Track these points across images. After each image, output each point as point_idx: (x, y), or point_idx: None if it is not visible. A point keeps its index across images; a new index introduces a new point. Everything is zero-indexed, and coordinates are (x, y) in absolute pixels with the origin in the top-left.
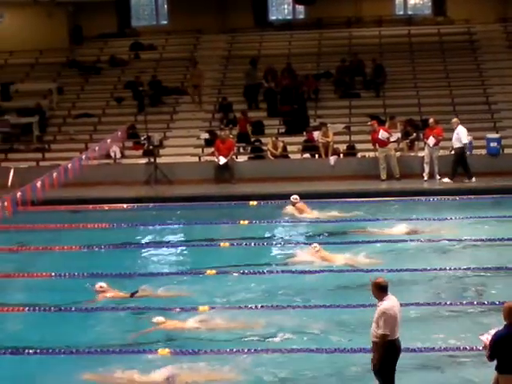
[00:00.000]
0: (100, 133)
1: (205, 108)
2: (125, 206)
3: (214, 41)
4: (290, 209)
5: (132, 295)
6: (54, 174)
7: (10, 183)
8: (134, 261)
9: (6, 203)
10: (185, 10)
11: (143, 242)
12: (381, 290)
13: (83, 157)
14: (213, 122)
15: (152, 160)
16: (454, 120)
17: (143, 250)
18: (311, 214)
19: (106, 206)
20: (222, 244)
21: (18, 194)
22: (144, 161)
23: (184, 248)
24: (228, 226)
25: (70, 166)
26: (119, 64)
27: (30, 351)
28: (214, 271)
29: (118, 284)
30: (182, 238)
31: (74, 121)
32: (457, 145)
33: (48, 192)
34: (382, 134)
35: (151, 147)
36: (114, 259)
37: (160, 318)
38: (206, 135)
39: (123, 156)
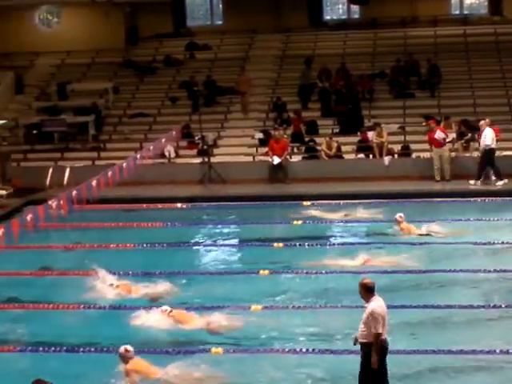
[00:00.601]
0: (155, 132)
1: (259, 108)
2: (179, 205)
3: (269, 40)
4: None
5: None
6: (109, 173)
7: (65, 182)
8: (187, 260)
9: (61, 202)
10: (239, 10)
11: (197, 241)
12: (368, 291)
13: (138, 156)
14: (267, 122)
15: (206, 159)
16: (483, 122)
17: (196, 249)
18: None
19: (160, 205)
20: (275, 244)
21: (74, 192)
22: (198, 160)
23: (237, 248)
24: (281, 226)
25: (124, 165)
26: (174, 64)
27: (85, 349)
28: (267, 271)
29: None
30: (236, 238)
31: (130, 120)
32: (484, 147)
33: (103, 191)
34: (439, 135)
35: (205, 147)
36: (167, 258)
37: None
38: (260, 135)
39: (177, 155)
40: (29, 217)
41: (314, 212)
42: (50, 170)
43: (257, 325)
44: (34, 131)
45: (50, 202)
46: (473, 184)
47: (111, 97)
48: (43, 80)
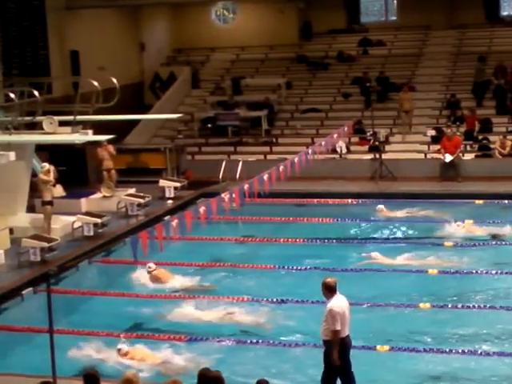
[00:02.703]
0: (326, 128)
1: (432, 105)
2: (349, 201)
3: (443, 37)
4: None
5: None
6: (281, 168)
7: (238, 175)
8: (355, 256)
9: (234, 195)
10: (414, 6)
11: (365, 237)
12: (328, 290)
13: (309, 151)
14: (440, 119)
15: (377, 156)
16: None
17: (365, 246)
18: None
19: (330, 201)
20: (445, 243)
21: (246, 186)
22: (369, 156)
23: (405, 245)
24: (451, 225)
25: (296, 159)
26: (347, 60)
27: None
28: (435, 270)
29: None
30: (404, 235)
31: (302, 115)
32: None
33: (274, 185)
34: None
35: (377, 143)
36: (336, 254)
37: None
38: (432, 132)
39: (349, 151)
40: (202, 209)
41: (485, 211)
42: (223, 164)
43: (426, 322)
44: (209, 125)
45: (222, 195)
46: None
47: (284, 92)
48: (218, 75)
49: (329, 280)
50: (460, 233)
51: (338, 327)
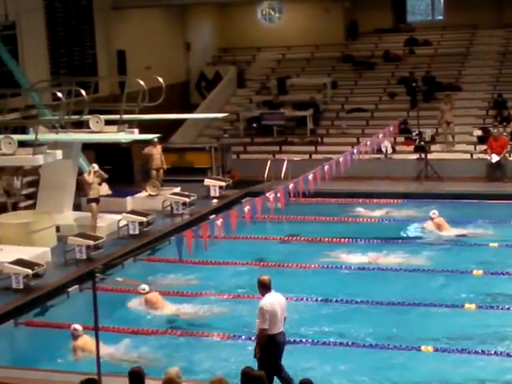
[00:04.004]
0: (372, 127)
1: (479, 105)
2: (394, 201)
3: (491, 36)
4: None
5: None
6: (326, 167)
7: (283, 175)
8: (399, 256)
9: (279, 194)
10: (461, 5)
11: (411, 237)
12: (263, 287)
13: (355, 151)
14: (486, 119)
15: (423, 156)
16: None
17: (410, 246)
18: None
19: (375, 200)
20: (490, 244)
21: (291, 185)
22: (415, 156)
23: (449, 246)
24: (499, 226)
25: (341, 159)
26: (393, 59)
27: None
28: (480, 271)
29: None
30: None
31: (347, 115)
32: None
33: (319, 184)
34: None
35: (422, 143)
36: (381, 253)
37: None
38: (478, 132)
39: (394, 151)
40: (246, 208)
41: None
42: (268, 163)
43: (471, 324)
44: (254, 124)
45: (267, 195)
46: None
47: (329, 91)
48: (264, 74)
49: (263, 277)
50: None
51: (265, 326)
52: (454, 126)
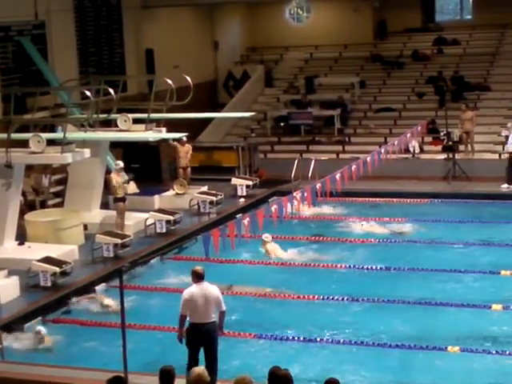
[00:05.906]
0: (400, 127)
1: (508, 105)
2: (421, 200)
3: None
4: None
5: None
6: (353, 167)
7: (310, 174)
8: (426, 257)
9: (306, 194)
10: (490, 5)
11: (438, 238)
12: (194, 277)
13: (382, 150)
14: None
15: (451, 156)
16: (510, 124)
17: (438, 247)
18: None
19: (402, 200)
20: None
21: (318, 185)
22: (443, 156)
23: (478, 247)
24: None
25: (368, 159)
26: (422, 59)
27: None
28: (509, 272)
29: (403, 277)
30: (478, 237)
31: (375, 115)
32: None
33: (346, 184)
34: None
35: (450, 143)
36: (407, 254)
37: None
38: (506, 132)
39: (422, 151)
40: (273, 207)
41: None
42: (296, 162)
43: (497, 323)
44: (282, 123)
45: (294, 194)
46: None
47: (357, 91)
48: (292, 73)
49: (196, 268)
50: None
51: (183, 312)
52: (475, 135)
